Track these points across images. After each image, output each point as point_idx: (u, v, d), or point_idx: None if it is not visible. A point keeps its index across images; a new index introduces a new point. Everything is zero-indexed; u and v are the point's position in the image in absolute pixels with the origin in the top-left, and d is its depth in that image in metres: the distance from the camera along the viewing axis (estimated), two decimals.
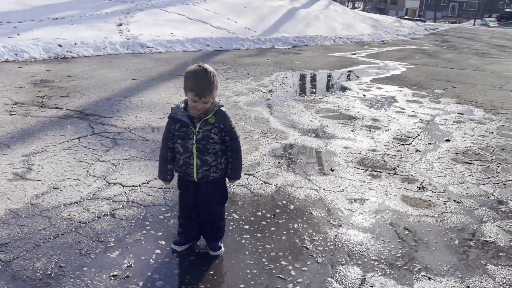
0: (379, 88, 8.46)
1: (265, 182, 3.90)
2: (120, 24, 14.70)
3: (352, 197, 3.70)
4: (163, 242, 2.86)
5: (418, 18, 54.77)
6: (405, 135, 5.57)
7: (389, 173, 4.28)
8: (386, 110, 6.83)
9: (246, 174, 4.04)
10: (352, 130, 5.66)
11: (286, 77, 9.09)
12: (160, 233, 2.97)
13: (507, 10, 77.16)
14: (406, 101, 7.44)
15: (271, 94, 7.45)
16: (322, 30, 19.74)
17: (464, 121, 6.34)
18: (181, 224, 2.82)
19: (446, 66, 12.09)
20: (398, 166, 4.47)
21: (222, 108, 2.59)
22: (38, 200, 3.30)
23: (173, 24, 15.85)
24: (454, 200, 3.74)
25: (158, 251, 2.76)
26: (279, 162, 4.42)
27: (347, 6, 64.01)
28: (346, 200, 3.65)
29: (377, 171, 4.32)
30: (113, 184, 3.66)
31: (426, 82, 9.25)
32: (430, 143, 5.30)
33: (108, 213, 3.18)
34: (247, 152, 4.60)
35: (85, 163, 4.05)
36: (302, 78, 9.39)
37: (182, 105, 2.57)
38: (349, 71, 10.42)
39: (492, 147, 5.24)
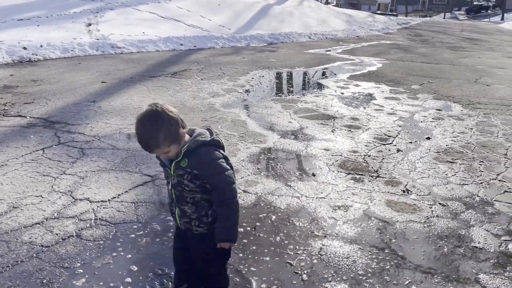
0: (357, 85, 8.36)
1: (245, 191, 3.69)
2: (90, 24, 14.20)
3: (335, 204, 3.54)
4: (135, 268, 2.62)
5: (390, 13, 55.53)
6: (385, 134, 5.45)
7: (372, 176, 4.14)
8: (364, 108, 6.72)
9: None
10: (332, 131, 5.52)
11: (263, 76, 8.89)
12: (131, 256, 2.72)
13: (475, 3, 78.97)
14: (384, 98, 7.35)
15: (248, 95, 7.24)
16: (297, 27, 19.62)
17: (443, 118, 6.28)
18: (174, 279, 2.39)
19: (421, 61, 12.13)
20: (380, 168, 4.34)
21: (201, 148, 1.94)
22: None
23: (145, 23, 15.43)
24: (439, 203, 3.62)
25: (128, 279, 2.51)
26: (258, 168, 4.22)
27: (321, 2, 64.32)
28: (330, 207, 3.48)
29: (359, 174, 4.18)
30: (80, 200, 3.38)
31: (402, 78, 9.22)
32: (411, 142, 5.20)
33: (74, 234, 2.92)
34: None
35: (49, 177, 3.75)
36: (279, 76, 9.21)
37: None
38: (326, 68, 10.31)
39: (473, 144, 5.18)
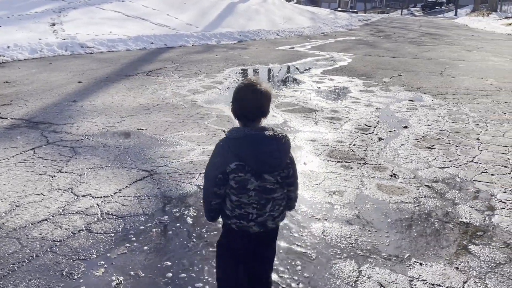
0: (331, 79, 8.63)
1: None
2: (54, 24, 13.83)
3: (330, 190, 3.72)
4: (150, 256, 2.69)
5: (350, 10, 56.70)
6: (365, 125, 5.71)
7: (359, 163, 4.36)
8: (342, 101, 6.97)
9: None
10: (315, 123, 5.72)
11: (239, 73, 9.01)
12: (144, 245, 2.80)
13: None
14: (359, 91, 7.65)
15: (228, 91, 7.34)
16: (264, 24, 19.82)
17: (416, 108, 6.63)
18: None
19: (388, 55, 12.60)
20: (366, 156, 4.57)
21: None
22: (2, 220, 3.00)
23: (112, 22, 15.17)
24: (425, 185, 3.88)
25: (145, 262, 2.59)
26: None
27: None
28: (326, 193, 3.66)
29: (348, 162, 4.39)
30: (82, 196, 3.40)
31: (373, 72, 9.58)
32: (390, 131, 5.48)
33: (84, 228, 2.95)
34: None
35: (46, 175, 3.74)
36: (255, 73, 9.35)
37: None
38: (299, 64, 10.54)
39: (447, 131, 5.52)
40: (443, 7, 72.97)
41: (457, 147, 4.91)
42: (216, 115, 5.81)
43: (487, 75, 9.58)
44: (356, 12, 52.18)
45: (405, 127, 5.67)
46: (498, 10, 45.51)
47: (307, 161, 4.39)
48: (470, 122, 5.93)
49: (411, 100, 7.10)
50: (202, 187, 2.01)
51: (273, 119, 5.77)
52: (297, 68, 10.06)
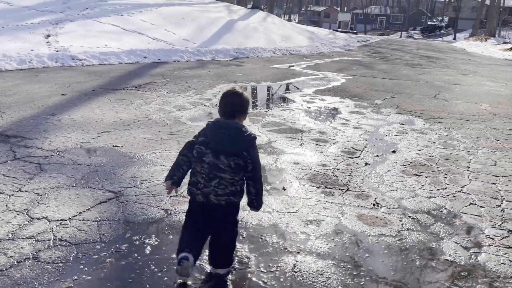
0: (322, 99, 8.46)
1: None
2: (48, 36, 13.73)
3: (307, 219, 3.48)
4: None
5: (350, 31, 57.25)
6: (352, 148, 5.49)
7: (341, 189, 4.13)
8: (331, 122, 6.78)
9: None
10: (301, 144, 5.50)
11: None
12: (95, 277, 2.54)
13: (429, 23, 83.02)
14: (349, 113, 7.46)
15: (214, 108, 7.14)
16: (262, 42, 19.80)
17: (407, 132, 6.43)
18: None
19: (382, 76, 12.48)
20: (349, 182, 4.34)
21: None
22: None
23: (108, 35, 15.09)
24: (409, 216, 3.64)
25: None
26: None
27: (284, 19, 65.45)
28: (302, 222, 3.42)
29: (329, 188, 4.15)
30: (37, 219, 3.15)
31: (366, 93, 9.42)
32: (377, 155, 5.26)
33: (31, 256, 2.70)
34: None
35: (4, 194, 3.49)
36: (247, 91, 9.18)
37: None
38: (291, 83, 10.39)
39: (437, 157, 5.30)
40: (442, 31, 73.76)
41: (445, 175, 4.68)
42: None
43: (481, 100, 9.42)
44: (356, 33, 52.66)
45: (394, 151, 5.46)
46: (496, 35, 45.92)
47: (287, 185, 4.15)
48: (461, 148, 5.72)
49: (402, 124, 6.91)
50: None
51: (257, 139, 5.54)
52: (289, 87, 9.90)
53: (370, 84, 10.73)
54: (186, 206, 2.69)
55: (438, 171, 4.82)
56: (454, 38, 58.83)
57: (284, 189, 4.08)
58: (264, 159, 4.84)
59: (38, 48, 11.57)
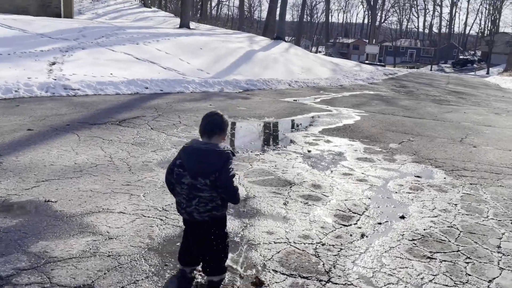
0: (328, 141, 7.37)
1: None
2: (53, 63, 13.31)
3: None
4: None
5: (378, 63, 56.20)
6: (349, 210, 4.37)
7: (320, 281, 3.01)
8: (331, 171, 5.68)
9: None
10: (284, 203, 4.43)
11: None
12: None
13: (461, 57, 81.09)
14: (356, 159, 6.34)
15: None
16: (280, 73, 19.01)
17: (422, 188, 5.24)
18: None
19: (403, 114, 11.29)
20: (334, 267, 3.22)
21: None
22: None
23: (117, 64, 14.61)
24: None
25: None
26: (166, 265, 3.07)
27: (311, 51, 65.22)
28: None
29: (303, 277, 3.05)
30: None
31: (380, 134, 8.27)
32: (380, 223, 4.12)
33: None
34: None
35: None
36: (243, 128, 8.22)
37: None
38: (298, 120, 9.37)
39: (457, 228, 4.10)
40: (474, 65, 71.64)
41: (467, 260, 3.49)
42: (162, 183, 4.61)
43: None
44: (384, 66, 51.57)
45: (402, 217, 4.30)
46: None
47: (243, 272, 3.07)
48: (490, 216, 4.49)
49: (418, 176, 5.72)
50: None
51: None
52: (293, 124, 8.88)
53: (388, 123, 9.58)
54: None
55: (457, 251, 3.63)
56: (487, 73, 56.78)
57: (241, 277, 3.00)
58: (231, 223, 3.79)
59: (36, 76, 11.06)
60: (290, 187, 4.94)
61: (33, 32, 16.98)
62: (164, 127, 7.35)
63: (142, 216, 3.83)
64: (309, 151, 6.61)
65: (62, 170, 4.78)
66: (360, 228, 3.97)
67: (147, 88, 11.47)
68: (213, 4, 70.64)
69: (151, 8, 47.77)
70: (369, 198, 4.77)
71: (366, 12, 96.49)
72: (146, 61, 16.20)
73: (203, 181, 2.59)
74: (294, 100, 12.47)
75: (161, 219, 3.79)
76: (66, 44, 16.04)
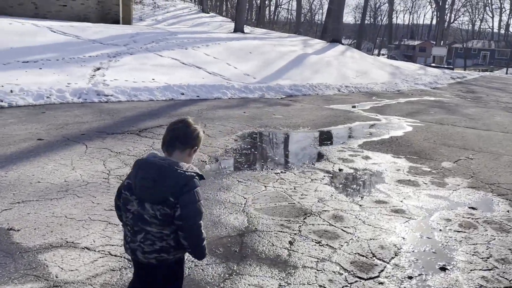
0: (366, 157, 6.35)
1: None
2: (98, 69, 13.34)
3: None
4: None
5: (446, 66, 52.71)
6: (373, 255, 3.43)
7: None
8: (361, 197, 4.71)
9: None
10: (291, 242, 3.58)
11: (250, 138, 7.13)
12: None
13: None
14: (396, 182, 5.30)
15: (210, 165, 5.49)
16: (332, 77, 17.93)
17: (476, 225, 4.13)
18: None
19: (465, 124, 9.86)
20: None
21: None
22: None
23: (161, 69, 14.42)
24: None
25: None
26: None
27: (372, 53, 62.62)
28: None
29: None
30: None
31: (433, 150, 7.08)
32: (410, 277, 3.14)
33: None
34: None
35: None
36: (270, 140, 7.41)
37: None
38: (337, 130, 8.37)
39: None
40: None
41: None
42: None
43: None
44: (452, 69, 48.22)
45: (443, 268, 3.29)
46: None
47: None
48: None
49: (473, 208, 4.59)
50: None
51: (231, 223, 3.76)
52: (331, 136, 7.90)
53: (444, 136, 8.29)
54: None
55: None
56: None
57: None
58: (213, 269, 3.02)
59: (76, 82, 11.02)
60: (304, 218, 4.07)
61: (85, 38, 17.32)
62: None
63: (109, 254, 3.18)
64: (340, 170, 5.66)
65: (46, 189, 4.28)
66: (382, 284, 3.03)
67: (183, 94, 11.02)
68: (272, 8, 70.26)
69: (209, 13, 48.32)
70: (403, 238, 3.78)
71: (435, 13, 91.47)
72: (192, 66, 15.90)
73: (151, 211, 1.92)
74: (340, 107, 11.42)
75: (129, 260, 3.10)
76: (115, 49, 16.14)
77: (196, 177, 1.98)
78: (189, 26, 35.18)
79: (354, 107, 11.46)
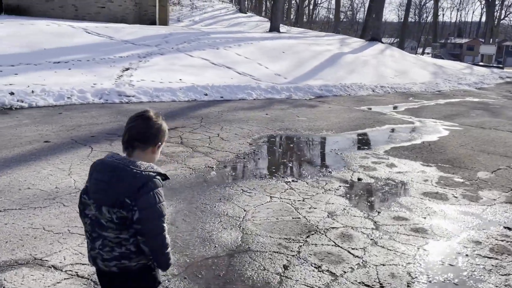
0: (391, 165, 5.75)
1: None
2: (127, 69, 13.33)
3: None
4: None
5: (495, 65, 49.83)
6: (382, 286, 2.91)
7: None
8: (378, 213, 4.17)
9: None
10: (285, 266, 3.12)
11: (266, 142, 6.70)
12: None
13: None
14: (421, 195, 4.70)
15: (216, 172, 5.11)
16: (369, 77, 17.14)
17: (510, 251, 3.50)
18: None
19: (510, 129, 8.94)
20: None
21: None
22: None
23: (190, 69, 14.26)
24: None
25: None
26: None
27: (416, 52, 60.18)
28: None
29: None
30: None
31: (469, 157, 6.35)
32: None
33: None
34: None
35: None
36: (288, 145, 6.93)
37: None
38: (364, 134, 7.76)
39: None
40: None
41: None
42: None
43: None
44: (502, 68, 45.49)
45: None
46: None
47: None
48: None
49: (509, 229, 3.93)
50: None
51: (225, 240, 3.35)
52: (356, 141, 7.31)
53: (484, 141, 7.50)
54: None
55: None
56: None
57: None
58: None
59: (102, 82, 10.99)
60: (307, 236, 3.59)
61: (119, 39, 17.47)
62: (196, 142, 6.40)
63: (75, 275, 2.85)
64: (359, 180, 5.11)
65: (33, 197, 4.04)
66: None
67: (206, 95, 10.73)
68: (311, 7, 69.17)
69: (246, 13, 48.14)
70: (420, 265, 3.22)
71: (484, 9, 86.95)
72: (222, 66, 15.65)
73: (108, 215, 1.73)
74: (372, 108, 10.74)
75: (96, 283, 2.76)
76: (146, 50, 16.15)
77: (157, 176, 1.76)
78: (225, 26, 35.10)
79: (388, 108, 10.73)
